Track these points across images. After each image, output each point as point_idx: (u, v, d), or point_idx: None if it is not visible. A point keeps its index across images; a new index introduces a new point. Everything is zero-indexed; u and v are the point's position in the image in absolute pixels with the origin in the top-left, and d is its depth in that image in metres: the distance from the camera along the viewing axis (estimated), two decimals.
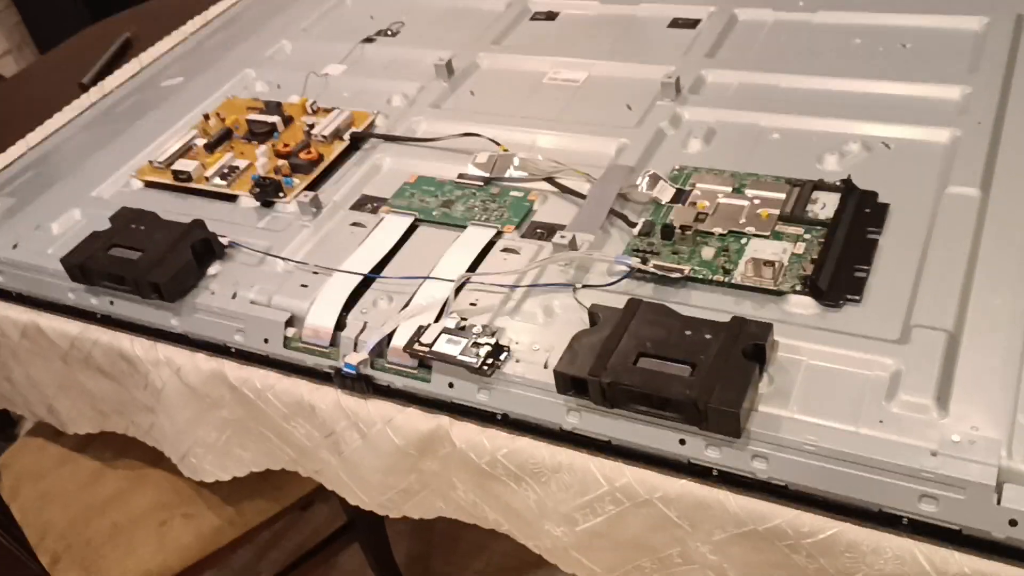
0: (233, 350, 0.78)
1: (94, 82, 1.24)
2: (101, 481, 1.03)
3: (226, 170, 0.91)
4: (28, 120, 1.15)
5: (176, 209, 0.89)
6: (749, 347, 0.61)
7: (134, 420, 0.91)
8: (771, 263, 0.67)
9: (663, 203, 0.76)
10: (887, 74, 0.86)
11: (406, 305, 0.73)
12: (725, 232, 0.72)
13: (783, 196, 0.74)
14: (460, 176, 0.85)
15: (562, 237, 0.73)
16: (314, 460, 0.79)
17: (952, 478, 0.54)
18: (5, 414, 1.46)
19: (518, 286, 0.72)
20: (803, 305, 0.66)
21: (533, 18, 1.09)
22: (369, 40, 1.10)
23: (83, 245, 0.83)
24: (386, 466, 0.73)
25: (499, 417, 0.68)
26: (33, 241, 0.90)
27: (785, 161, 0.79)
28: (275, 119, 0.95)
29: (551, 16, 1.09)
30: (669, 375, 0.60)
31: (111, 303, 0.83)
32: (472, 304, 0.72)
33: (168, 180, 0.92)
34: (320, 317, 0.74)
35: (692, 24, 1.01)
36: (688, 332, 0.62)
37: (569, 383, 0.62)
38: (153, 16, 1.51)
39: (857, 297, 0.65)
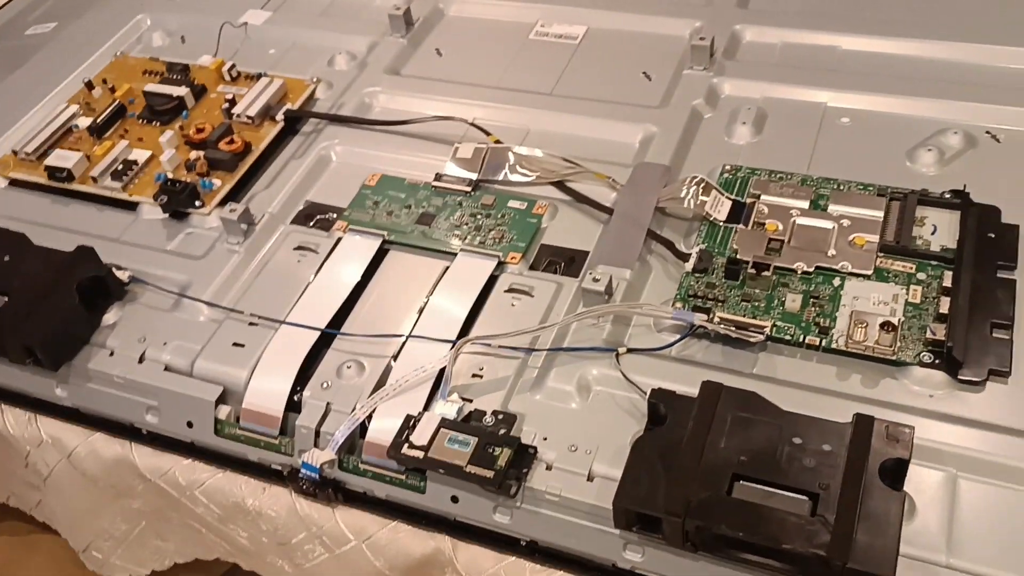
0: (144, 431, 0.58)
1: None
2: None
3: (120, 166, 0.68)
4: None
5: (54, 221, 0.66)
6: (889, 463, 0.43)
7: (15, 492, 0.70)
8: (890, 325, 0.49)
9: (719, 223, 0.58)
10: (978, 33, 0.68)
11: (384, 376, 0.53)
12: (811, 269, 0.54)
13: (879, 215, 0.56)
14: (438, 177, 0.64)
15: (595, 280, 0.54)
16: (261, 564, 0.60)
17: None
18: None
19: (536, 350, 0.53)
20: (929, 382, 0.49)
21: None
22: None
23: None
24: None
25: (524, 543, 0.49)
26: None
27: (865, 158, 0.61)
28: (182, 91, 0.72)
29: None
30: (784, 515, 0.42)
31: None
32: (476, 375, 0.53)
33: (41, 179, 0.69)
34: (264, 394, 0.54)
35: None
36: (797, 440, 0.45)
37: (635, 519, 0.44)
38: None
39: (1005, 370, 0.48)
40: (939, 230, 0.55)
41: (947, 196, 0.57)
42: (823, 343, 0.51)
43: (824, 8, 0.73)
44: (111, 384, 0.57)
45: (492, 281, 0.58)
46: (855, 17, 0.72)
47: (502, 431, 0.49)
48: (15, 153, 0.71)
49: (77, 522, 0.65)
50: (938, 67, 0.66)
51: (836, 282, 0.53)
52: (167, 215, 0.65)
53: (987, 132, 0.62)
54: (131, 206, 0.67)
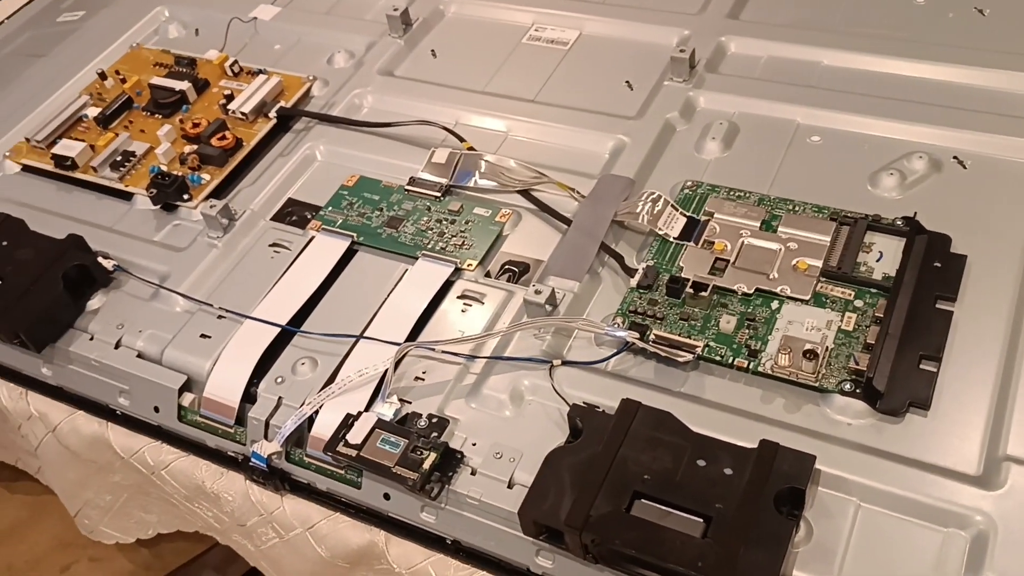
0: (119, 412, 0.62)
1: None
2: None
3: (119, 157, 0.72)
4: None
5: (56, 208, 0.71)
6: (784, 492, 0.45)
7: (21, 458, 0.76)
8: (812, 353, 0.50)
9: (670, 239, 0.59)
10: (955, 55, 0.67)
11: (334, 374, 0.56)
12: (751, 291, 0.55)
13: (827, 239, 0.57)
14: (412, 181, 0.67)
15: (537, 292, 0.56)
16: (229, 540, 0.64)
17: None
18: None
19: (477, 357, 0.55)
20: (852, 411, 0.50)
21: None
22: None
23: None
24: (312, 572, 0.58)
25: (449, 542, 0.52)
26: None
27: (828, 179, 0.62)
28: (184, 85, 0.76)
29: None
30: (675, 534, 0.44)
31: None
32: (419, 378, 0.55)
33: (48, 166, 0.73)
34: (223, 386, 0.57)
35: None
36: (701, 462, 0.46)
37: (541, 529, 0.47)
38: None
39: (926, 403, 0.49)
40: (885, 257, 0.56)
41: (898, 223, 0.57)
42: (751, 366, 0.52)
43: (813, 21, 0.73)
44: (89, 367, 0.61)
45: (449, 286, 0.60)
46: (843, 32, 0.71)
47: (433, 435, 0.52)
48: (28, 140, 0.75)
49: (67, 490, 0.70)
50: (917, 87, 0.66)
51: (774, 305, 0.54)
52: (158, 207, 0.69)
53: (954, 157, 0.61)
54: (127, 196, 0.71)
